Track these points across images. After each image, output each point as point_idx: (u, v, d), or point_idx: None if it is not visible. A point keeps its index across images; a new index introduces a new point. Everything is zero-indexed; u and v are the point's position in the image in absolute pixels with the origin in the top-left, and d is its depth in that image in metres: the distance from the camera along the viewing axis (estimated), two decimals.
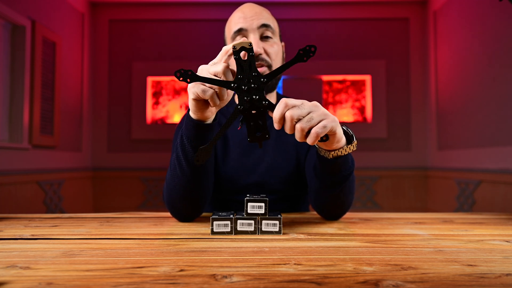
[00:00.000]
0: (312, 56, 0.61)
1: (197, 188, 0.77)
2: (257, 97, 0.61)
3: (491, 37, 2.49)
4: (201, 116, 0.69)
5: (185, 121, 0.72)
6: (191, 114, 0.70)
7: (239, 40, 0.69)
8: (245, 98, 0.61)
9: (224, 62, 0.63)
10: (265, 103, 0.61)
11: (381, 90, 3.43)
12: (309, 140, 0.61)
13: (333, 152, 0.69)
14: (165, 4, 3.48)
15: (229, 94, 0.65)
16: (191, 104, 0.68)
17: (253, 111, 0.62)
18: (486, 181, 2.54)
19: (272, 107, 0.62)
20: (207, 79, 0.62)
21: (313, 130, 0.61)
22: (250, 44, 0.61)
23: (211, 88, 0.63)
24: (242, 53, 0.61)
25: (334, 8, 3.49)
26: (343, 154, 0.70)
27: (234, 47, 0.61)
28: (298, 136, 0.61)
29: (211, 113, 0.70)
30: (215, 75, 0.62)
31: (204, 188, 0.78)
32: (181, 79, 0.62)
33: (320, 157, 0.73)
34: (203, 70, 0.65)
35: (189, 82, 0.62)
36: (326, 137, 0.65)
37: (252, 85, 0.61)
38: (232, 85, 0.61)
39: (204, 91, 0.63)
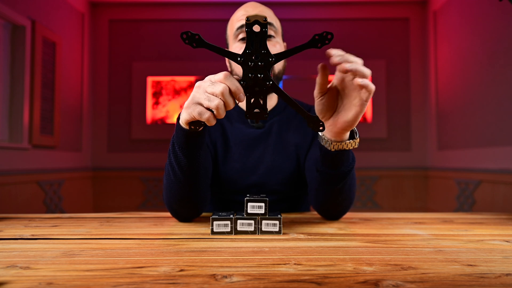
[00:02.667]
0: (327, 44, 0.57)
1: (193, 193, 0.76)
2: (262, 75, 0.59)
3: (491, 37, 2.49)
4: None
5: (176, 128, 0.71)
6: (182, 124, 0.68)
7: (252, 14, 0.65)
8: (250, 75, 0.59)
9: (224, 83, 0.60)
10: (269, 83, 0.59)
11: (381, 90, 3.43)
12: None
13: (334, 144, 0.70)
14: (165, 4, 3.48)
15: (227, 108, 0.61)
16: (183, 121, 0.65)
17: (256, 88, 0.60)
18: (486, 181, 2.54)
19: (275, 88, 0.60)
20: (214, 47, 0.59)
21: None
22: (265, 19, 0.57)
23: (208, 109, 0.60)
24: (254, 27, 0.58)
25: (334, 8, 3.49)
26: (344, 148, 0.70)
27: (247, 19, 0.57)
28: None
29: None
30: (212, 94, 0.60)
31: (200, 192, 0.77)
32: (186, 41, 0.58)
33: (322, 149, 0.73)
34: (200, 88, 0.62)
35: (195, 47, 0.58)
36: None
37: (259, 63, 0.59)
38: (239, 58, 0.59)
39: (200, 114, 0.60)
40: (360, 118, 0.66)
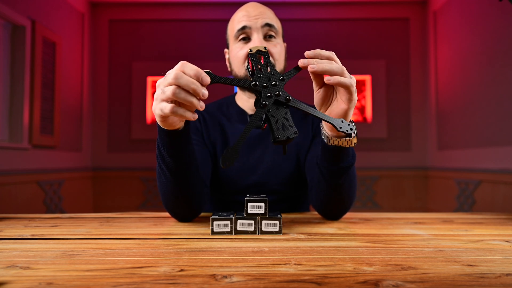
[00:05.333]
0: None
1: (186, 192, 0.75)
2: (279, 93, 0.61)
3: (491, 37, 2.49)
4: (170, 127, 0.66)
5: (158, 130, 0.70)
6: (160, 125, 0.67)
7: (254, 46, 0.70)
8: (268, 95, 0.61)
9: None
10: (288, 98, 0.61)
11: (381, 90, 3.43)
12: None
13: (334, 140, 0.70)
14: (165, 4, 3.48)
15: (203, 95, 0.57)
16: (159, 122, 0.64)
17: (276, 108, 0.61)
18: (486, 181, 2.54)
19: (296, 102, 0.61)
20: (227, 80, 0.60)
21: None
22: (265, 48, 0.63)
23: (171, 101, 0.58)
24: (258, 56, 0.62)
25: (334, 8, 3.49)
26: (340, 145, 0.70)
27: (250, 50, 0.62)
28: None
29: (182, 122, 0.66)
30: (167, 86, 0.57)
31: (194, 190, 0.77)
32: None
33: (322, 143, 0.73)
34: (159, 86, 0.59)
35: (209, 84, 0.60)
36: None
37: (273, 83, 0.61)
38: (253, 83, 0.61)
39: (162, 109, 0.58)
40: (350, 115, 0.67)
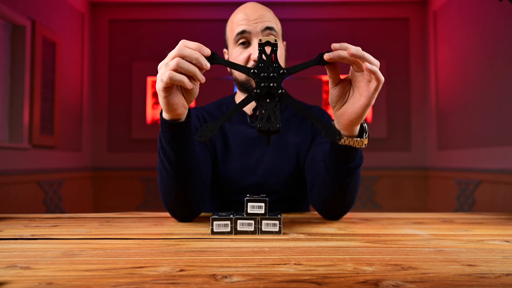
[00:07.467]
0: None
1: (186, 189, 0.75)
2: (274, 84, 0.61)
3: (491, 37, 2.49)
4: (173, 115, 0.67)
5: (160, 124, 0.71)
6: (164, 115, 0.68)
7: (265, 36, 0.73)
8: (263, 84, 0.61)
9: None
10: (281, 91, 0.61)
11: (381, 90, 3.42)
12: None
13: (345, 139, 0.69)
14: (165, 4, 3.48)
15: (201, 66, 0.61)
16: (162, 103, 0.65)
17: (267, 100, 0.62)
18: (486, 181, 2.54)
19: (288, 97, 0.62)
20: (229, 63, 0.62)
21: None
22: (275, 41, 0.63)
23: (170, 69, 0.60)
24: (266, 47, 0.64)
25: (334, 8, 3.49)
26: (351, 145, 0.69)
27: (260, 40, 0.63)
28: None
29: (184, 109, 0.67)
30: (170, 60, 0.61)
31: (194, 188, 0.77)
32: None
33: (331, 143, 0.73)
34: (161, 66, 0.62)
35: (211, 64, 0.62)
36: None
37: (272, 74, 0.62)
38: (252, 70, 0.62)
39: (162, 79, 0.60)
40: (367, 112, 0.66)
